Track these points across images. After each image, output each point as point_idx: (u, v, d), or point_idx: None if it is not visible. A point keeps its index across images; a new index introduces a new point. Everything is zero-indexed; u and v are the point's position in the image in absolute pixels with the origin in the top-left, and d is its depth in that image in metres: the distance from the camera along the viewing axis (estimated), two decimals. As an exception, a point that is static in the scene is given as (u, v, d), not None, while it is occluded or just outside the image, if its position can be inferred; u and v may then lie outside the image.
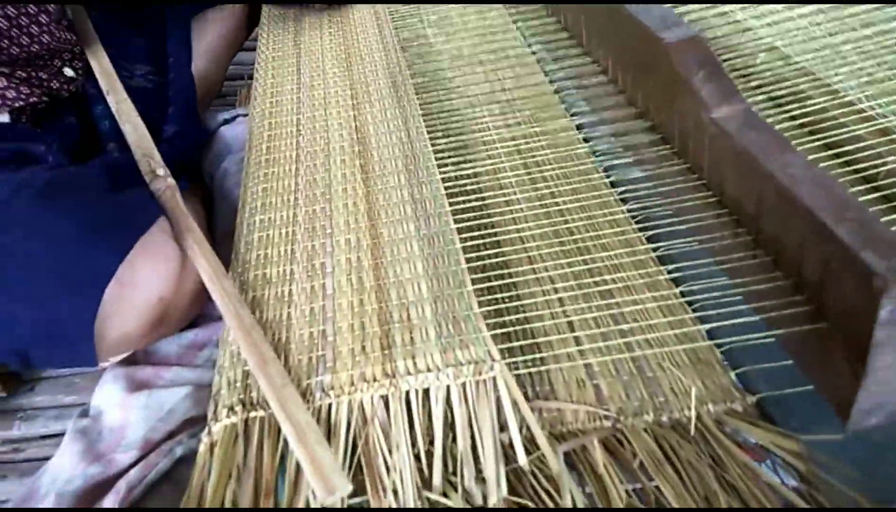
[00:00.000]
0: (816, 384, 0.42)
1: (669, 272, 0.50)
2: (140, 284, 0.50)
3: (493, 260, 0.51)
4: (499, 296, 0.49)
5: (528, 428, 0.41)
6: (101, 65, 0.74)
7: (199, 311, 0.57)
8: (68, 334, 0.48)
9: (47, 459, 0.58)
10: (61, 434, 0.61)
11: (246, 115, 0.87)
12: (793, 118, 0.56)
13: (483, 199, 0.57)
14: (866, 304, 0.36)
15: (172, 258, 0.53)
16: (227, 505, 0.35)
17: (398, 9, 0.84)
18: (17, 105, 0.67)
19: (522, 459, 0.39)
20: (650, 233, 0.53)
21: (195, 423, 0.49)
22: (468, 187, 0.58)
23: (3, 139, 0.65)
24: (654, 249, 0.51)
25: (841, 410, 0.41)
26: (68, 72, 0.72)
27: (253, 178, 0.58)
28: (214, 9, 0.89)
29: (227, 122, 0.82)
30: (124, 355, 0.54)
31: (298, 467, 0.37)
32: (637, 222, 0.54)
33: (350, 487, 0.35)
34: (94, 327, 0.48)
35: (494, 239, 0.54)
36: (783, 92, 0.59)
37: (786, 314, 0.42)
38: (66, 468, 0.47)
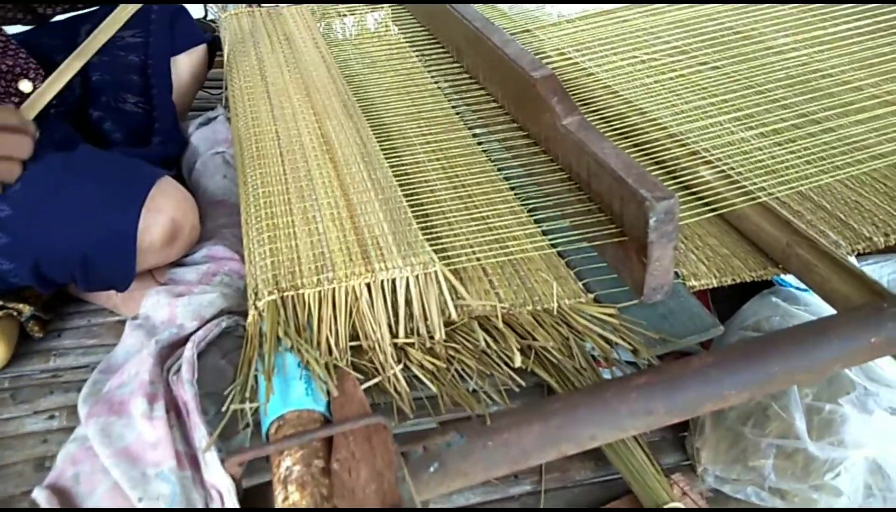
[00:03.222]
0: (623, 276, 0.70)
1: (537, 222, 0.78)
2: (161, 208, 0.77)
3: (423, 212, 0.77)
4: (428, 234, 0.74)
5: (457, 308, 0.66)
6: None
7: (198, 237, 0.83)
8: (117, 242, 0.71)
9: (83, 380, 0.77)
10: (90, 365, 0.80)
11: (215, 118, 1.11)
12: (614, 129, 0.86)
13: (412, 180, 0.82)
14: (642, 218, 0.64)
15: (180, 196, 0.80)
16: (280, 335, 0.57)
17: (339, 54, 1.10)
18: None
19: (454, 313, 0.64)
20: (523, 196, 0.80)
21: (230, 312, 0.71)
22: (404, 171, 0.83)
23: None
24: (529, 209, 0.79)
25: (638, 290, 0.68)
26: (25, 86, 0.88)
27: (249, 167, 0.81)
28: (185, 52, 1.13)
29: (201, 125, 1.06)
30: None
31: (320, 319, 0.60)
32: (515, 193, 0.81)
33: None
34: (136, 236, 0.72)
35: (420, 201, 0.79)
36: (610, 113, 0.89)
37: (604, 235, 0.69)
38: (134, 344, 0.67)
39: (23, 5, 1.05)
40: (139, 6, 0.87)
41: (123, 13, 0.83)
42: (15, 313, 0.80)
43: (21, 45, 0.98)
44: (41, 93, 0.74)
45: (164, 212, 0.76)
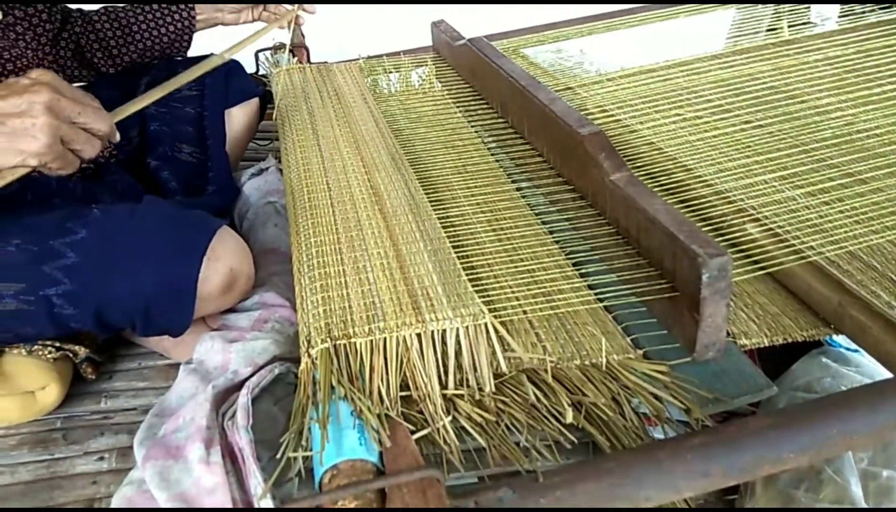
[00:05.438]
0: (674, 332, 0.69)
1: (582, 276, 0.78)
2: (220, 257, 0.79)
3: (469, 264, 0.78)
4: (476, 286, 0.75)
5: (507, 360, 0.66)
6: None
7: (252, 286, 0.85)
8: (178, 290, 0.72)
9: (134, 423, 0.79)
10: (139, 408, 0.81)
11: (267, 169, 1.14)
12: (660, 185, 0.87)
13: (458, 232, 0.83)
14: (695, 274, 0.64)
15: (238, 245, 0.82)
16: (334, 384, 0.58)
17: (386, 109, 1.13)
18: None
19: (504, 365, 0.64)
20: (569, 250, 0.81)
21: (281, 358, 0.72)
22: (451, 223, 0.84)
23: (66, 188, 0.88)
24: (574, 263, 0.79)
25: (689, 348, 0.68)
26: None
27: (302, 217, 0.83)
28: (238, 105, 1.18)
29: (253, 176, 1.09)
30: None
31: (371, 368, 0.61)
32: (560, 247, 0.82)
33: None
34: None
35: (466, 253, 0.79)
36: (655, 170, 0.90)
37: (654, 290, 0.69)
38: (188, 388, 0.68)
39: (85, 63, 1.11)
40: (233, 55, 0.91)
41: (212, 62, 0.88)
42: (71, 355, 0.82)
43: None
44: (122, 109, 0.76)
45: (223, 261, 0.78)
